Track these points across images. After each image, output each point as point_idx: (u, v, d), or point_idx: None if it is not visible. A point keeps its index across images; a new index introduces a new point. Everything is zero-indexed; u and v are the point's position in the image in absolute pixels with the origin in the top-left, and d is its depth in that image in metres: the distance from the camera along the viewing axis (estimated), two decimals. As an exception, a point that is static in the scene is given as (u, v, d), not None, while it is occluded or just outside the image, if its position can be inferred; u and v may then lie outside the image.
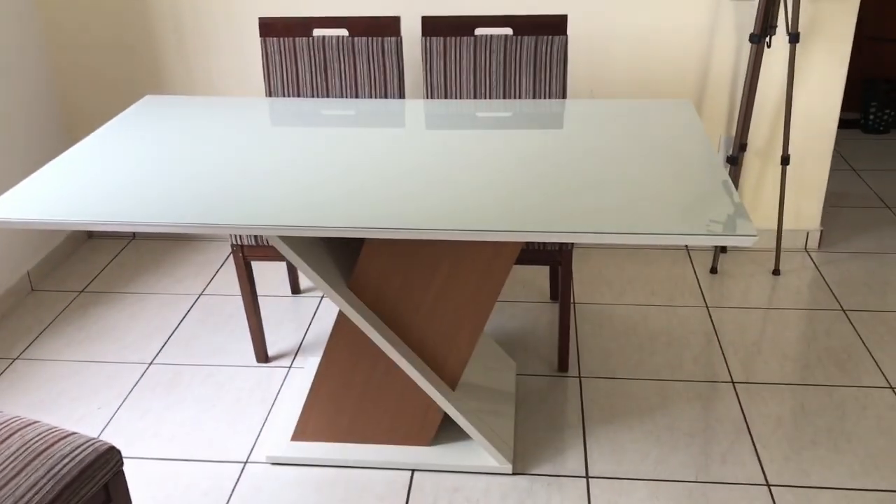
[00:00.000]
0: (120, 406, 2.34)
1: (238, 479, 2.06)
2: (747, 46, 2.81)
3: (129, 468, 2.11)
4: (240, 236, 2.33)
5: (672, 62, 2.85)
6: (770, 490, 1.98)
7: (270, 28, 2.51)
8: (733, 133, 2.95)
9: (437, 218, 1.59)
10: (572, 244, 2.25)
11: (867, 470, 2.04)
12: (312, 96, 2.55)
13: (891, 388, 2.34)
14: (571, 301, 2.34)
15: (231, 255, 3.16)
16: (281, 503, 1.98)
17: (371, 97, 2.54)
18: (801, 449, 2.12)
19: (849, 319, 2.66)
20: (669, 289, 2.87)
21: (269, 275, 3.02)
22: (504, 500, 1.98)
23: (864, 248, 3.10)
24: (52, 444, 1.45)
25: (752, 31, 2.78)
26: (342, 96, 2.55)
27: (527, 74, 2.48)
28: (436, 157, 1.88)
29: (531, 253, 2.30)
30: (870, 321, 2.65)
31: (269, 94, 2.57)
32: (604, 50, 2.85)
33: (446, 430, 2.16)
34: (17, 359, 2.56)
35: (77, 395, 2.39)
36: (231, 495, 2.01)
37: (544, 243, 2.26)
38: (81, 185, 1.77)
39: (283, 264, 3.09)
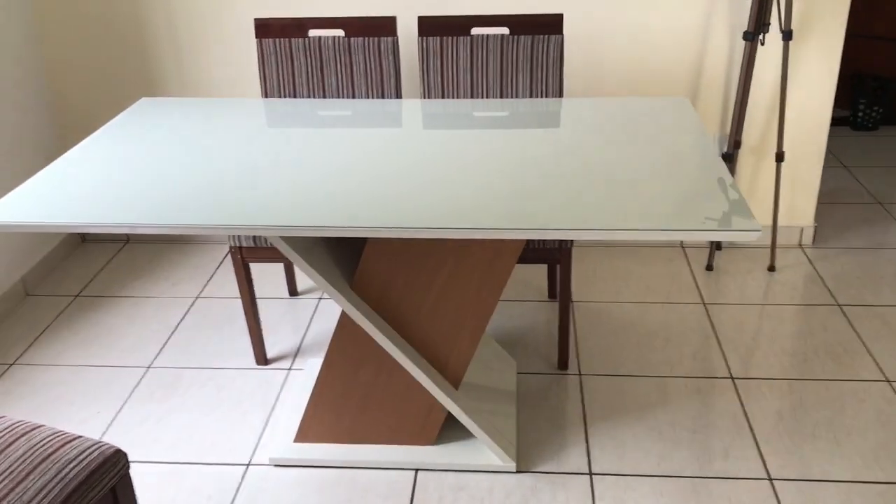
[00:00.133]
0: (120, 410, 2.33)
1: (241, 482, 2.05)
2: (740, 44, 2.83)
3: (131, 472, 2.10)
4: (239, 238, 2.32)
5: (666, 60, 2.87)
6: (772, 484, 2.00)
7: (266, 29, 2.50)
8: (727, 131, 2.97)
9: (438, 217, 1.59)
10: (572, 242, 2.26)
11: (868, 463, 2.06)
12: (309, 97, 2.55)
13: (888, 381, 2.35)
14: (567, 299, 2.34)
15: (226, 258, 3.15)
16: (285, 505, 1.98)
17: (368, 98, 2.54)
18: (801, 443, 2.13)
19: (844, 314, 2.68)
20: (666, 286, 2.88)
21: (266, 277, 3.01)
22: (508, 498, 1.98)
23: (857, 244, 3.13)
24: (59, 448, 1.44)
25: (744, 29, 2.79)
26: (339, 97, 2.55)
27: (523, 73, 2.48)
28: (434, 156, 1.88)
29: (530, 251, 2.30)
30: (865, 315, 2.67)
31: (266, 95, 2.56)
32: (598, 49, 2.86)
33: (449, 430, 2.16)
34: (13, 364, 2.54)
35: (75, 399, 2.37)
36: (235, 497, 2.00)
37: (543, 242, 2.27)
38: (81, 189, 1.76)
39: (281, 267, 3.08)
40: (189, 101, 2.33)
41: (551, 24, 2.44)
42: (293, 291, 2.91)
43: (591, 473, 2.05)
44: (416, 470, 2.07)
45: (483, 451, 2.08)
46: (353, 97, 2.55)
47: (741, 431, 2.18)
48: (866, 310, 2.70)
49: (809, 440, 2.14)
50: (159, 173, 1.83)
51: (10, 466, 1.39)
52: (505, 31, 2.74)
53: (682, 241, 3.17)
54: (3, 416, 1.54)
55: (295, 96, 2.55)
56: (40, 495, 1.35)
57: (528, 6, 2.81)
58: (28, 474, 1.38)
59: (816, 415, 2.23)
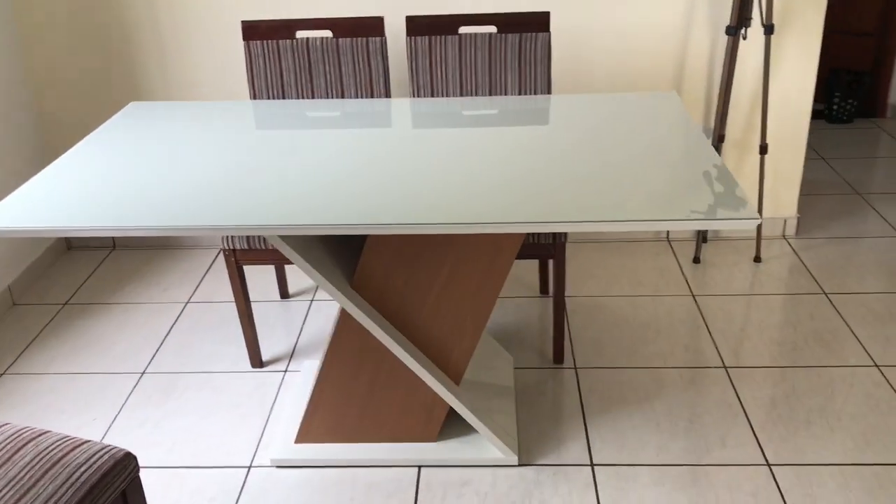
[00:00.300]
0: (116, 416, 2.31)
1: (244, 484, 2.05)
2: (722, 39, 2.87)
3: (130, 478, 2.09)
4: (232, 241, 2.31)
5: (650, 56, 2.90)
6: (771, 469, 2.03)
7: (253, 31, 2.50)
8: (711, 124, 3.01)
9: (437, 213, 1.60)
10: (565, 238, 2.28)
11: (860, 446, 2.10)
12: (298, 98, 2.55)
13: (876, 366, 2.40)
14: (562, 293, 2.36)
15: (215, 263, 3.14)
16: (289, 505, 1.98)
17: (357, 98, 2.54)
18: (796, 429, 2.16)
19: (831, 302, 2.73)
20: (655, 279, 2.91)
21: (257, 281, 3.00)
22: (512, 491, 1.99)
23: (839, 234, 3.18)
24: (68, 453, 1.43)
25: (726, 23, 2.84)
26: (328, 98, 2.55)
27: (512, 71, 2.50)
28: (427, 155, 1.89)
29: (525, 247, 2.32)
30: (851, 303, 2.72)
31: (254, 97, 2.56)
32: (582, 45, 2.89)
33: (450, 426, 2.17)
34: (2, 374, 2.51)
35: (69, 407, 2.35)
36: (238, 499, 2.00)
37: (538, 237, 2.28)
38: (76, 193, 1.75)
39: (272, 269, 3.08)
40: (179, 105, 2.33)
41: (538, 22, 2.46)
42: (284, 294, 2.90)
43: (592, 464, 2.07)
44: (419, 467, 2.08)
45: (485, 446, 2.10)
46: (343, 98, 2.55)
47: (737, 419, 2.21)
48: (851, 297, 2.75)
49: (804, 426, 2.17)
50: (154, 176, 1.82)
51: (19, 473, 1.38)
52: (493, 29, 2.76)
53: (668, 235, 3.21)
54: (7, 423, 1.52)
55: (283, 98, 2.55)
56: (52, 500, 1.34)
57: (516, 5, 2.83)
58: (38, 480, 1.37)
59: (809, 401, 2.27)
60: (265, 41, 2.50)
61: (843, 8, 4.26)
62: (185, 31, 2.92)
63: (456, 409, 2.02)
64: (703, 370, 2.41)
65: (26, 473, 1.38)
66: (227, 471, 2.09)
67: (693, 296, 2.80)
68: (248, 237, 2.30)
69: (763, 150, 2.85)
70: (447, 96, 2.53)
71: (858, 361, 2.42)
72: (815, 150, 4.01)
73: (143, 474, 2.09)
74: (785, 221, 3.15)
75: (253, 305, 2.84)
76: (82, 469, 1.40)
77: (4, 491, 1.34)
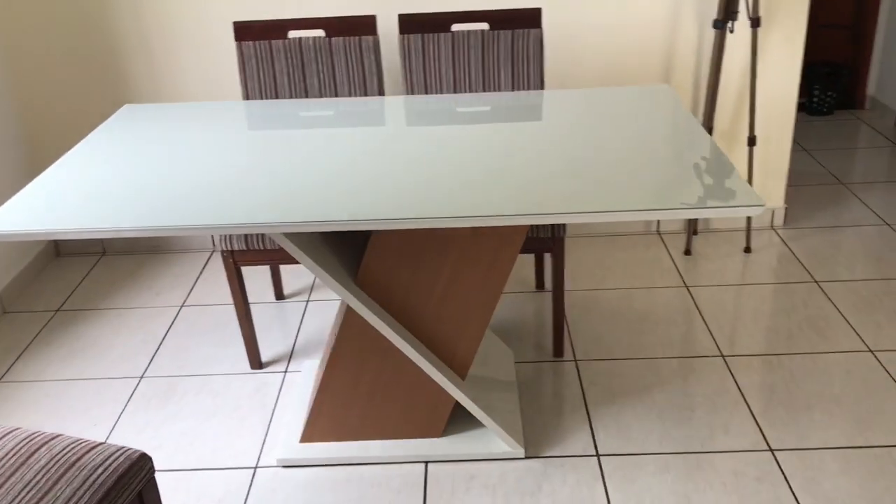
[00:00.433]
0: (116, 422, 2.29)
1: (251, 485, 2.04)
2: (709, 33, 2.90)
3: (135, 482, 2.07)
4: (230, 242, 2.30)
5: (638, 51, 2.92)
6: (774, 455, 2.05)
7: (245, 32, 2.49)
8: (699, 117, 3.04)
9: (441, 208, 1.60)
10: (564, 232, 2.29)
11: (860, 429, 2.13)
12: (291, 98, 2.54)
13: (870, 351, 2.44)
14: (561, 287, 2.38)
15: (207, 267, 3.12)
16: (298, 505, 1.97)
17: (351, 97, 2.54)
18: (796, 414, 2.19)
19: (822, 290, 2.77)
20: (648, 272, 2.94)
21: (253, 282, 2.99)
22: (520, 483, 2.00)
23: (826, 223, 3.23)
24: (83, 455, 1.42)
25: (713, 17, 2.87)
26: (321, 97, 2.55)
27: (505, 67, 2.51)
28: (425, 151, 1.90)
29: (524, 241, 2.33)
30: (841, 290, 2.76)
31: (247, 97, 2.55)
32: (570, 41, 2.91)
33: (455, 421, 2.18)
34: (-2, 382, 2.49)
35: (69, 413, 2.33)
36: (246, 500, 1.99)
37: (537, 231, 2.29)
38: (78, 196, 1.74)
39: (267, 272, 3.07)
40: (173, 107, 2.31)
41: (530, 18, 2.48)
42: (279, 296, 2.89)
43: (597, 455, 2.08)
44: (426, 462, 2.08)
45: (491, 440, 2.10)
46: (336, 97, 2.55)
47: (737, 406, 2.23)
48: (842, 285, 2.79)
49: (804, 411, 2.20)
50: (154, 178, 1.81)
51: (35, 476, 1.37)
52: (485, 26, 2.77)
53: (658, 228, 3.23)
54: (18, 428, 1.51)
55: (277, 98, 2.54)
56: (71, 503, 1.33)
57: (507, 1, 2.84)
58: (55, 483, 1.36)
59: (807, 387, 2.30)
60: (257, 42, 2.49)
61: (821, 1, 4.32)
62: (172, 35, 2.90)
63: (462, 404, 2.02)
64: (701, 359, 2.44)
65: (42, 477, 1.37)
66: (233, 472, 2.08)
67: (687, 287, 2.83)
68: (245, 238, 2.29)
69: (751, 141, 2.88)
70: (441, 93, 2.54)
71: (853, 347, 2.46)
72: (797, 142, 4.07)
73: (147, 478, 2.08)
74: (773, 212, 3.19)
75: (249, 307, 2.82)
76: (99, 471, 1.39)
77: (22, 495, 1.33)
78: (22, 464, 1.39)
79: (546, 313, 2.72)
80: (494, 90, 2.53)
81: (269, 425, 2.25)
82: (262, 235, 2.29)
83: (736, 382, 2.33)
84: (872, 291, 2.74)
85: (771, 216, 3.20)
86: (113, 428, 2.26)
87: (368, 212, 1.60)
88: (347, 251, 2.01)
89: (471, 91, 2.53)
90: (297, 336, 2.65)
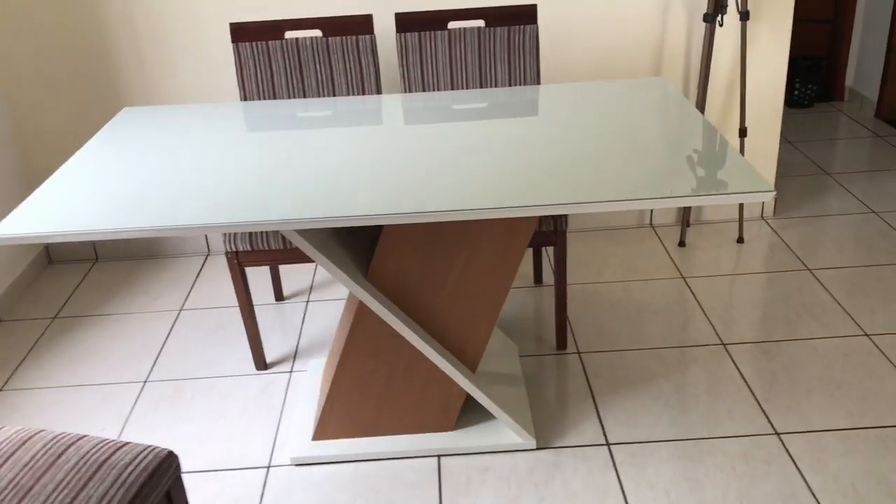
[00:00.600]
0: (124, 426, 2.28)
1: (265, 484, 2.04)
2: (698, 27, 2.95)
3: (148, 485, 2.06)
4: (234, 242, 2.30)
5: (630, 45, 2.96)
6: (780, 438, 2.09)
7: (242, 33, 2.49)
8: (689, 111, 3.09)
9: (448, 202, 1.62)
10: (566, 225, 2.32)
11: (862, 411, 2.18)
12: (289, 98, 2.54)
13: (866, 335, 2.49)
14: (563, 280, 2.40)
15: (203, 270, 3.11)
16: (316, 502, 1.97)
17: (349, 96, 2.55)
18: (799, 398, 2.23)
19: (816, 277, 2.82)
20: (644, 264, 2.97)
21: (252, 284, 2.98)
22: (533, 473, 2.02)
23: (814, 212, 3.29)
24: (112, 455, 1.42)
25: (702, 11, 2.92)
26: (319, 97, 2.56)
27: (501, 64, 2.54)
28: (428, 148, 1.91)
29: (526, 235, 2.35)
30: (835, 277, 2.81)
31: (244, 98, 2.55)
32: (562, 36, 2.94)
33: (466, 415, 2.19)
34: (0, 390, 2.46)
35: (76, 419, 2.31)
36: (262, 499, 1.99)
37: (540, 224, 2.32)
38: (87, 199, 1.73)
39: (267, 274, 3.06)
40: (172, 109, 2.31)
41: (526, 15, 2.50)
42: (279, 297, 2.89)
43: (608, 444, 2.11)
44: (439, 456, 2.10)
45: (502, 432, 2.12)
46: (334, 96, 2.56)
47: (741, 392, 2.27)
48: (835, 272, 2.85)
49: (806, 395, 2.25)
50: (160, 180, 1.81)
51: (65, 476, 1.37)
52: (481, 23, 2.79)
53: (652, 221, 3.27)
54: (42, 430, 1.50)
55: (275, 98, 2.55)
56: (104, 501, 1.33)
57: (499, -2, 2.86)
58: (87, 482, 1.36)
59: (807, 371, 2.34)
60: (254, 42, 2.49)
61: (800, -4, 4.40)
62: (166, 37, 2.89)
63: (474, 397, 2.04)
64: (702, 348, 2.48)
65: (73, 477, 1.37)
66: (246, 472, 2.08)
67: (683, 278, 2.87)
68: (250, 239, 2.29)
69: (742, 132, 2.93)
70: (439, 91, 2.55)
71: (849, 332, 2.51)
72: (781, 134, 4.13)
73: (160, 481, 2.07)
74: (763, 203, 3.25)
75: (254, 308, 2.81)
76: (129, 469, 1.39)
77: (55, 495, 1.32)
78: (52, 464, 1.39)
79: (545, 307, 2.74)
80: (491, 86, 2.55)
81: (278, 425, 2.25)
82: (267, 236, 2.29)
83: (738, 369, 2.37)
84: (864, 277, 2.80)
85: (761, 207, 3.25)
86: (121, 432, 2.25)
87: (378, 208, 1.61)
88: (356, 248, 2.02)
89: (468, 88, 2.55)
90: (299, 336, 2.65)
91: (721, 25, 2.83)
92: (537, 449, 2.11)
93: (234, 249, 2.32)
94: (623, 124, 1.98)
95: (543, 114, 2.10)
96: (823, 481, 1.95)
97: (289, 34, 2.83)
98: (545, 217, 2.30)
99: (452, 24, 2.81)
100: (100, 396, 2.41)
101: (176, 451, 2.16)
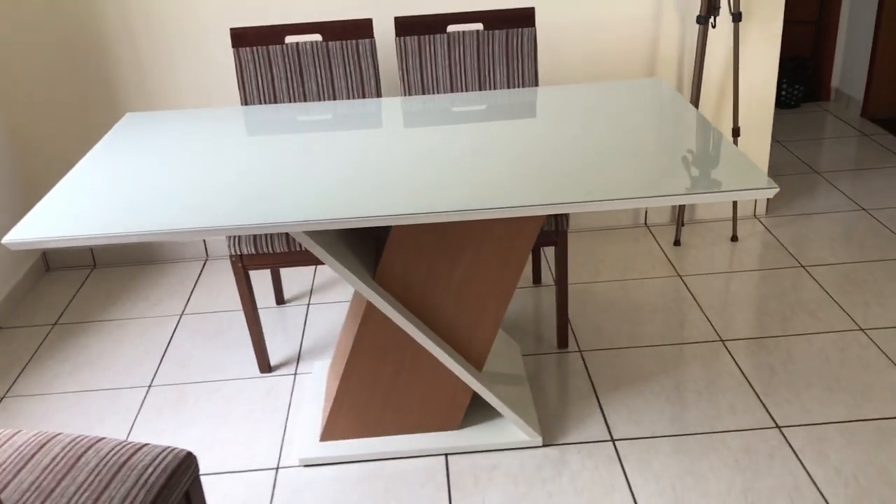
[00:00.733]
0: (130, 430, 2.29)
1: (274, 485, 2.05)
2: (691, 28, 2.99)
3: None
4: (239, 246, 2.32)
5: (624, 47, 3.00)
6: (781, 431, 2.13)
7: (243, 38, 2.51)
8: (682, 112, 3.13)
9: (453, 203, 1.64)
10: (567, 225, 2.35)
11: (860, 403, 2.22)
12: (290, 102, 2.56)
13: (861, 330, 2.53)
14: (564, 280, 2.43)
15: (202, 275, 3.12)
16: (326, 502, 1.99)
17: (349, 99, 2.57)
18: (798, 392, 2.27)
19: (809, 274, 2.86)
20: (640, 263, 3.01)
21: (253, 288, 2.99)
22: (541, 470, 2.05)
23: (806, 210, 3.34)
24: (131, 456, 1.43)
25: (695, 13, 2.96)
26: (320, 101, 2.57)
27: (500, 66, 2.57)
28: (428, 150, 1.94)
29: (528, 236, 2.38)
30: (828, 274, 2.86)
31: (245, 103, 2.57)
32: (557, 38, 2.98)
33: (472, 413, 2.21)
34: (3, 398, 2.46)
35: (81, 424, 2.32)
36: (272, 500, 2.00)
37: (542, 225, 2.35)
38: (98, 203, 1.74)
39: (268, 277, 3.07)
40: (175, 114, 2.32)
41: (524, 18, 2.53)
42: (280, 300, 2.90)
43: (612, 440, 2.14)
44: (446, 455, 2.12)
45: (508, 430, 2.15)
46: (335, 100, 2.58)
47: (741, 388, 2.31)
48: (828, 268, 2.89)
49: (805, 389, 2.29)
50: (167, 184, 1.82)
51: (87, 478, 1.38)
52: (479, 26, 2.82)
53: (646, 221, 3.31)
54: (60, 433, 1.51)
55: (275, 102, 2.56)
56: (126, 503, 1.34)
57: (501, 1, 2.89)
58: (108, 483, 1.37)
59: (805, 366, 2.38)
60: (255, 47, 2.51)
61: (786, -2, 4.46)
62: (164, 43, 2.90)
63: (481, 395, 2.07)
64: (700, 345, 2.51)
65: (94, 478, 1.38)
66: (255, 474, 2.10)
67: (679, 276, 2.91)
68: (255, 242, 2.31)
69: (735, 132, 2.97)
70: (438, 93, 2.58)
71: (844, 327, 2.56)
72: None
73: (169, 484, 2.08)
74: (755, 201, 3.29)
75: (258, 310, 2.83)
76: (149, 470, 1.40)
77: (77, 496, 1.34)
78: (72, 466, 1.40)
79: (545, 307, 2.77)
80: (490, 89, 2.58)
81: (285, 426, 2.26)
82: (272, 239, 2.30)
83: (737, 364, 2.40)
84: (857, 273, 2.85)
85: (754, 205, 3.30)
86: (128, 436, 2.26)
87: (385, 210, 1.63)
88: (363, 250, 2.04)
89: (467, 90, 2.58)
90: (302, 338, 2.67)
91: (714, 27, 2.87)
92: (543, 446, 2.13)
93: (238, 253, 2.33)
94: (623, 124, 2.02)
95: (542, 115, 2.13)
96: (825, 473, 1.98)
97: (289, 39, 2.85)
98: (547, 217, 2.33)
99: (451, 28, 2.84)
100: (105, 402, 2.41)
101: (184, 455, 2.17)
